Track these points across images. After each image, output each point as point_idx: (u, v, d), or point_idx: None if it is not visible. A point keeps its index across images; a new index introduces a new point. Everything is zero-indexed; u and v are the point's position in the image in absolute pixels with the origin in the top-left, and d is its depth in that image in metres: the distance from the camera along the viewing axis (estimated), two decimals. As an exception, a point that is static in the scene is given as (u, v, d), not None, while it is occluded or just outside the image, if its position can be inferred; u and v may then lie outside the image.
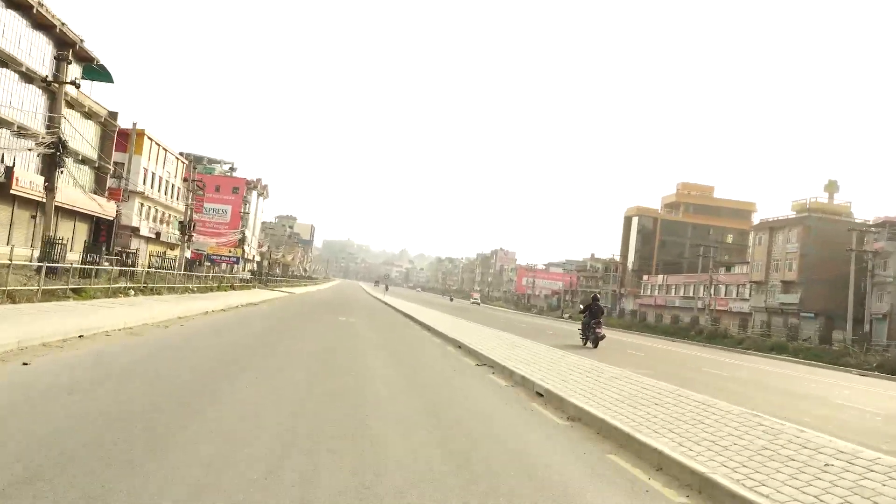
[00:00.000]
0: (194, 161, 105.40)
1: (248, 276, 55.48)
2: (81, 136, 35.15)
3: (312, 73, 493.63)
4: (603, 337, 24.25)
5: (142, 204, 49.84)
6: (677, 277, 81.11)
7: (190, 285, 31.79)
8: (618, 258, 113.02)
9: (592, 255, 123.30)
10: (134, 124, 46.45)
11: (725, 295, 66.69)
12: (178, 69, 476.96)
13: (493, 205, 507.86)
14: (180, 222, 44.86)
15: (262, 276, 55.80)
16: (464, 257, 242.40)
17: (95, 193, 39.94)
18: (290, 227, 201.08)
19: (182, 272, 37.69)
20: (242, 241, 61.77)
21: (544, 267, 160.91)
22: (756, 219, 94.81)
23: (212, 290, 35.01)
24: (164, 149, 52.93)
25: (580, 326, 25.62)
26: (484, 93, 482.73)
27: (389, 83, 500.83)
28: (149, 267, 40.29)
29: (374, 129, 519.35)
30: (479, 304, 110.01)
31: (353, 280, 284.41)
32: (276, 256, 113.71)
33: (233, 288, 41.03)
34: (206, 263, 65.81)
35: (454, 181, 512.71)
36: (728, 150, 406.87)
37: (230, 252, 48.83)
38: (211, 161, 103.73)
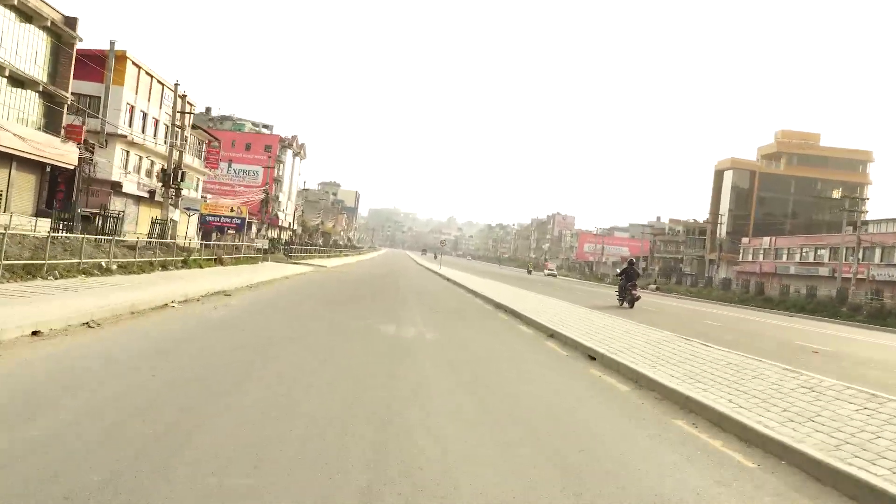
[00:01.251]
0: (220, 119, 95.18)
1: (264, 244, 44.27)
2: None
3: (358, 36, 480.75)
4: (639, 298, 26.04)
5: (127, 152, 38.71)
6: (793, 239, 67.20)
7: (102, 261, 19.39)
8: (699, 220, 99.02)
9: (668, 218, 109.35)
10: (112, 43, 35.08)
11: (864, 260, 52.92)
12: (215, 26, 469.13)
13: (546, 168, 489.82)
14: (163, 170, 33.55)
15: (283, 246, 44.69)
16: (515, 223, 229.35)
17: (48, 131, 28.92)
18: (334, 195, 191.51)
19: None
20: (266, 202, 50.46)
21: (607, 231, 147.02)
22: (873, 170, 79.93)
23: (166, 267, 23.31)
24: (158, 81, 41.48)
25: (617, 290, 27.39)
26: (531, 46, 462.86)
27: (434, 45, 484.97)
28: (150, 236, 30.09)
29: (421, 95, 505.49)
30: (555, 275, 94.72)
31: (400, 249, 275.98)
32: (314, 223, 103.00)
33: (220, 262, 29.49)
34: (231, 232, 55.15)
35: (504, 144, 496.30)
36: (832, 93, 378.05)
37: (233, 212, 36.84)
38: (239, 120, 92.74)
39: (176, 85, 32.97)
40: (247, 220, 37.16)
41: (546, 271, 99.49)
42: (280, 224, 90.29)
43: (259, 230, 52.37)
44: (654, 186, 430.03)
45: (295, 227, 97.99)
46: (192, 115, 39.33)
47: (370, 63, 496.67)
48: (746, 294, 58.16)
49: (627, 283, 26.04)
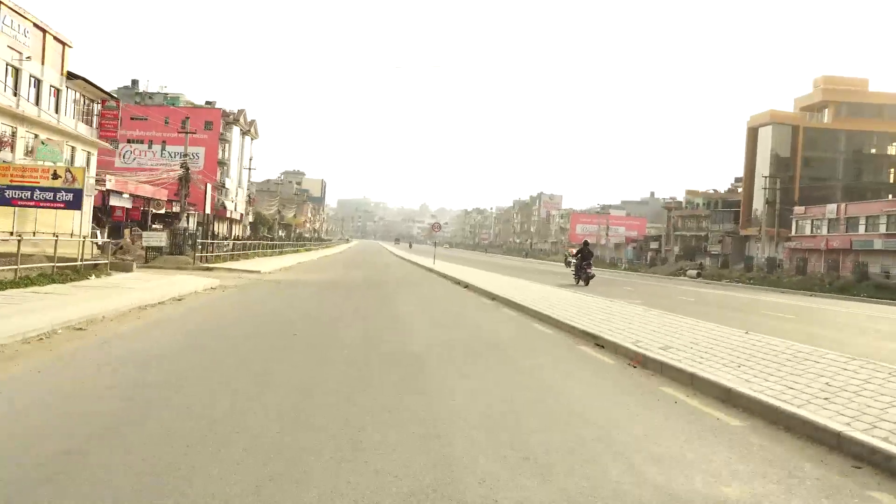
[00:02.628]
0: (149, 95, 78.84)
1: (160, 240, 29.13)
2: None
3: (321, 16, 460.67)
4: (593, 276, 28.09)
5: None
6: (871, 206, 53.53)
7: None
8: (719, 190, 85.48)
9: (671, 191, 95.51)
10: None
11: None
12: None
13: (524, 147, 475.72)
14: None
15: (193, 242, 29.32)
16: (494, 207, 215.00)
17: None
18: (298, 184, 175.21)
19: None
20: (186, 179, 35.18)
21: (602, 210, 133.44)
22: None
23: None
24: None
25: (573, 269, 29.31)
26: (498, 21, 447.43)
27: (399, 22, 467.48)
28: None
29: (388, 79, 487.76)
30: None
31: (372, 239, 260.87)
32: (269, 212, 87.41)
33: None
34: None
35: (476, 126, 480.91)
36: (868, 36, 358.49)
37: (58, 180, 21.00)
38: (173, 94, 76.14)
39: None
40: (85, 192, 21.48)
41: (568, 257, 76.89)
42: (230, 216, 74.50)
43: (179, 218, 37.14)
44: (647, 159, 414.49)
45: (246, 219, 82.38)
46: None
47: (333, 46, 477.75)
48: (839, 280, 44.20)
49: (583, 262, 27.89)
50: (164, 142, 71.26)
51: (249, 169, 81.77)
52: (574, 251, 31.58)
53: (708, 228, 78.47)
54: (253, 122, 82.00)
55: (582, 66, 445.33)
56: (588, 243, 29.33)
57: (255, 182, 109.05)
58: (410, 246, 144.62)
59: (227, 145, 73.61)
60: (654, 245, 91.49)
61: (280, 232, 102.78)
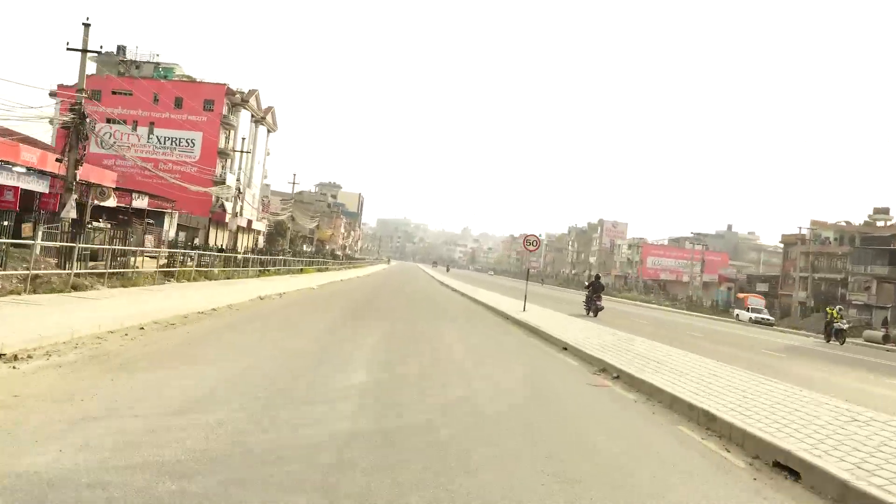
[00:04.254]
0: (136, 64, 63.96)
1: None
2: None
3: (365, 42, 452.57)
4: (602, 308, 28.82)
5: None
6: None
7: None
8: (851, 221, 67.10)
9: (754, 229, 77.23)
10: None
11: None
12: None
13: (575, 173, 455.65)
14: None
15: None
16: (543, 234, 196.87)
17: None
18: (333, 197, 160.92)
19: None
20: (77, 132, 18.71)
21: (675, 242, 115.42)
22: None
23: None
24: None
25: (584, 300, 30.20)
26: (552, 41, 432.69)
27: (445, 47, 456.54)
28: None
29: (434, 102, 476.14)
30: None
31: (411, 262, 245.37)
32: (288, 224, 71.79)
33: None
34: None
35: (522, 152, 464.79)
36: None
37: None
38: (167, 65, 60.78)
39: None
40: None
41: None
42: (233, 223, 59.05)
43: (63, 204, 20.83)
44: (720, 189, 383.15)
45: (259, 228, 66.81)
46: None
47: (379, 67, 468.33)
48: None
49: (593, 294, 29.10)
50: (151, 123, 56.30)
51: (264, 166, 66.37)
52: (587, 284, 33.38)
53: (847, 270, 60.21)
54: (270, 109, 66.50)
55: (643, 86, 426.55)
56: (599, 277, 30.91)
57: (282, 192, 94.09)
58: (448, 269, 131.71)
59: (232, 132, 58.25)
60: (760, 287, 73.22)
61: (304, 247, 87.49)
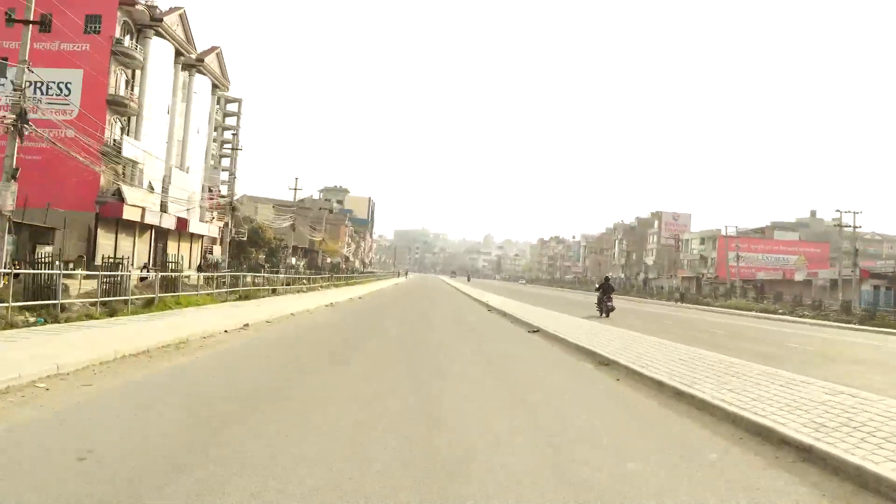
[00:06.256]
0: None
1: None
2: None
3: (377, 49, 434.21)
4: (613, 308, 28.96)
5: None
6: None
7: None
8: None
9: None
10: None
11: None
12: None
13: (602, 174, 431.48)
14: None
15: None
16: (578, 235, 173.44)
17: None
18: (339, 202, 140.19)
19: None
20: None
21: (760, 233, 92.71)
22: None
23: None
24: None
25: (596, 301, 30.22)
26: (576, 41, 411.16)
27: (462, 52, 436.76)
28: None
29: (450, 109, 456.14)
30: None
31: (431, 273, 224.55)
32: (265, 232, 50.34)
33: None
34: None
35: (544, 150, 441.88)
36: None
37: None
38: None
39: None
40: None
41: None
42: (147, 221, 37.77)
43: None
44: (804, 171, 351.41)
45: (225, 235, 45.43)
46: None
47: (392, 72, 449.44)
48: None
49: (604, 295, 29.28)
50: (4, 58, 35.49)
51: (210, 138, 45.36)
52: (597, 286, 32.04)
53: None
54: (216, 50, 45.00)
55: (676, 74, 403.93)
56: (609, 278, 32.09)
57: (279, 199, 73.18)
58: (468, 279, 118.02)
59: (137, 73, 37.04)
60: (875, 283, 50.42)
61: (293, 259, 66.21)
